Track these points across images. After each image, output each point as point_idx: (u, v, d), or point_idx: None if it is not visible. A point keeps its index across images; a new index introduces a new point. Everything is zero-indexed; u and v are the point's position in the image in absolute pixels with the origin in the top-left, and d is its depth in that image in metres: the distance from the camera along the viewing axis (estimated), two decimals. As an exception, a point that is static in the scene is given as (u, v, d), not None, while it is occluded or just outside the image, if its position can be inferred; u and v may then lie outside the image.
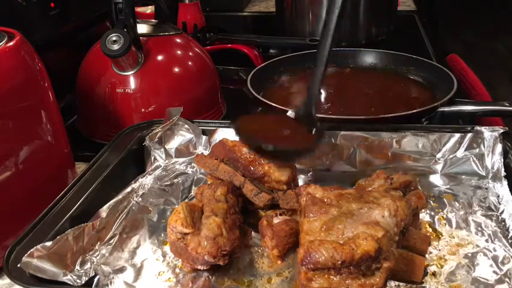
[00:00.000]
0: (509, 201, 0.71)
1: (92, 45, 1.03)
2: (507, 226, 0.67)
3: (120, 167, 0.78)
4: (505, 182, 0.74)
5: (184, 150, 0.85)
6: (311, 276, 0.54)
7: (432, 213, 0.72)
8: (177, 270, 0.64)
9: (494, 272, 0.61)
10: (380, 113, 0.87)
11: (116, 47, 0.88)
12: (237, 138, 0.83)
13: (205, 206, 0.65)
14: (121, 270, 0.63)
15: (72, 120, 1.08)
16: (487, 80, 1.12)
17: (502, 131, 0.78)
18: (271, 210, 0.70)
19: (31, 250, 0.58)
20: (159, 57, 0.99)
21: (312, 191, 0.63)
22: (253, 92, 1.00)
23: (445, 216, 0.71)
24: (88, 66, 1.01)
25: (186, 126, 0.85)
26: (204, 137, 0.86)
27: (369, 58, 1.22)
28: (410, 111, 0.89)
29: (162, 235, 0.70)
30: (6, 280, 0.62)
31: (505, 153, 0.76)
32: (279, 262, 0.64)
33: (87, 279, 0.60)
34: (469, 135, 0.79)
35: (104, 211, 0.68)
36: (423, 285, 0.60)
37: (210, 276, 0.62)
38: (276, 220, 0.66)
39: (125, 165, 0.79)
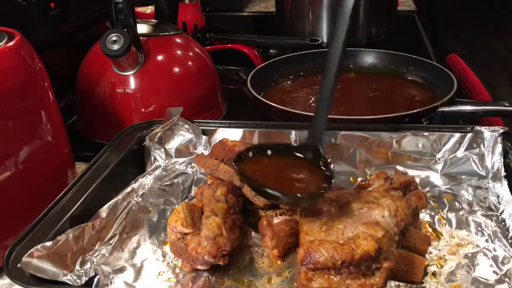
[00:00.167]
0: (509, 201, 0.70)
1: (92, 45, 1.03)
2: (507, 226, 0.67)
3: (120, 167, 0.78)
4: (505, 182, 0.74)
5: (184, 150, 0.85)
6: (311, 276, 0.55)
7: (432, 213, 0.72)
8: (177, 270, 0.64)
9: (494, 272, 0.61)
10: (380, 113, 0.87)
11: (116, 47, 0.88)
12: (237, 139, 0.83)
13: (205, 206, 0.65)
14: (121, 270, 0.63)
15: (72, 120, 1.08)
16: (487, 80, 1.12)
17: (502, 131, 0.78)
18: (271, 210, 0.70)
19: (31, 250, 0.58)
20: (159, 57, 0.99)
21: (312, 191, 0.62)
22: (253, 92, 1.00)
23: (445, 216, 0.71)
24: (88, 66, 1.01)
25: (186, 126, 0.85)
26: (204, 137, 0.86)
27: (369, 58, 1.22)
28: (410, 111, 0.89)
29: (162, 235, 0.70)
30: (6, 280, 0.62)
31: (505, 153, 0.76)
32: (279, 262, 0.64)
33: (87, 279, 0.60)
34: (469, 135, 0.79)
35: (104, 211, 0.68)
36: (423, 285, 0.60)
37: (210, 276, 0.62)
38: (276, 220, 0.66)
39: (124, 165, 0.79)
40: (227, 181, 0.71)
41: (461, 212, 0.72)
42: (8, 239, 0.67)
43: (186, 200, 0.77)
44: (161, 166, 0.83)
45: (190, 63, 1.04)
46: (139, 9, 1.46)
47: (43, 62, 0.74)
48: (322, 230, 0.57)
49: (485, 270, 0.61)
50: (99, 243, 0.65)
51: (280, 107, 0.95)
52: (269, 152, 0.66)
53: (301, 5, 1.50)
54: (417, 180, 0.76)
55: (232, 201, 0.66)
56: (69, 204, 0.68)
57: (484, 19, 1.30)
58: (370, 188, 0.68)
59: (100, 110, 0.98)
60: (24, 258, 0.57)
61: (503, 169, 0.75)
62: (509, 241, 0.65)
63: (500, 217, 0.70)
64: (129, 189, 0.74)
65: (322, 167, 0.64)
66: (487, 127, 0.78)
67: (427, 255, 0.63)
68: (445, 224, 0.70)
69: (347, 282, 0.54)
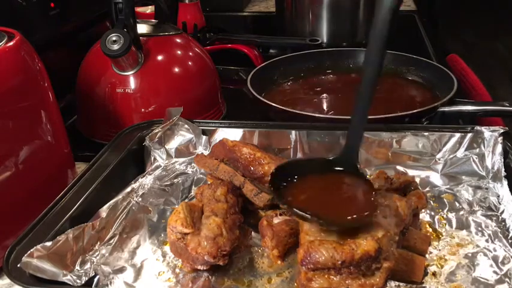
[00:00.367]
0: (509, 201, 0.70)
1: (92, 45, 1.03)
2: (507, 226, 0.67)
3: (120, 167, 0.78)
4: (505, 182, 0.74)
5: (184, 150, 0.85)
6: (311, 276, 0.54)
7: (432, 213, 0.72)
8: (177, 270, 0.64)
9: (495, 272, 0.61)
10: (380, 113, 0.87)
11: (116, 47, 0.88)
12: (237, 139, 0.83)
13: (205, 206, 0.65)
14: (121, 270, 0.63)
15: (72, 120, 1.08)
16: (487, 80, 1.12)
17: (502, 131, 0.78)
18: (271, 210, 0.70)
19: (31, 250, 0.58)
20: (159, 57, 0.99)
21: (312, 191, 0.62)
22: (253, 92, 1.00)
23: (445, 216, 0.71)
24: (88, 66, 1.01)
25: (186, 126, 0.85)
26: (204, 137, 0.86)
27: (369, 58, 1.21)
28: (411, 111, 0.89)
29: (162, 235, 0.70)
30: (6, 280, 0.62)
31: (505, 153, 0.76)
32: (279, 262, 0.64)
33: (87, 279, 0.60)
34: (469, 135, 0.79)
35: (103, 211, 0.68)
36: (423, 285, 0.60)
37: (210, 276, 0.62)
38: (276, 220, 0.66)
39: (124, 165, 0.79)
40: (227, 181, 0.71)
41: (462, 212, 0.72)
42: (8, 239, 0.67)
43: (186, 200, 0.77)
44: (161, 166, 0.83)
45: (190, 63, 1.04)
46: (139, 9, 1.46)
47: (43, 62, 0.74)
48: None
49: (485, 270, 0.61)
50: (99, 243, 0.65)
51: (280, 107, 0.95)
52: (306, 170, 0.63)
53: (301, 5, 1.50)
54: (417, 180, 0.76)
55: (232, 201, 0.66)
56: (69, 204, 0.68)
57: (484, 19, 1.30)
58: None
59: (100, 110, 0.98)
60: (24, 258, 0.57)
61: (503, 169, 0.75)
62: (510, 241, 0.65)
63: (500, 217, 0.70)
64: (129, 189, 0.74)
65: (366, 190, 0.60)
66: (487, 127, 0.78)
67: (427, 255, 0.63)
68: (445, 224, 0.70)
69: (347, 282, 0.54)
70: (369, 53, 0.59)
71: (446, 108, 0.92)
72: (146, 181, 0.78)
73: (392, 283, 0.59)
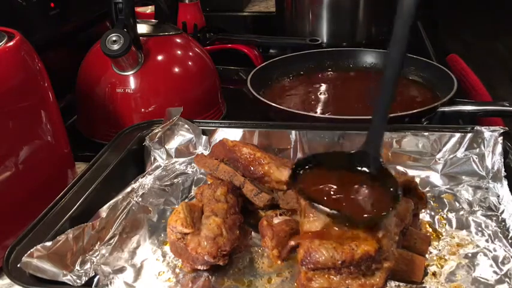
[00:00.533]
0: (509, 201, 0.70)
1: (92, 45, 1.03)
2: (507, 226, 0.67)
3: (120, 167, 0.78)
4: (505, 182, 0.74)
5: (184, 150, 0.85)
6: (311, 276, 0.54)
7: (432, 213, 0.72)
8: (177, 270, 0.64)
9: (495, 272, 0.61)
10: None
11: (116, 47, 0.88)
12: (237, 139, 0.83)
13: (205, 206, 0.65)
14: (121, 270, 0.63)
15: (72, 120, 1.08)
16: (487, 80, 1.12)
17: (502, 131, 0.78)
18: (271, 210, 0.70)
19: (31, 250, 0.58)
20: (159, 57, 0.99)
21: (312, 191, 0.62)
22: (253, 92, 1.00)
23: (445, 216, 0.71)
24: (88, 66, 1.01)
25: (186, 126, 0.85)
26: (204, 137, 0.86)
27: (369, 58, 1.22)
28: (410, 111, 0.89)
29: (162, 235, 0.70)
30: (6, 280, 0.62)
31: (505, 153, 0.76)
32: (279, 262, 0.64)
33: (87, 279, 0.60)
34: (469, 135, 0.79)
35: (103, 211, 0.68)
36: (423, 285, 0.60)
37: (210, 276, 0.62)
38: (276, 220, 0.66)
39: (124, 165, 0.79)
40: (227, 181, 0.71)
41: (462, 212, 0.72)
42: (8, 239, 0.67)
43: (186, 200, 0.78)
44: (161, 166, 0.83)
45: (190, 63, 1.04)
46: (139, 9, 1.46)
47: (43, 62, 0.74)
48: (324, 228, 0.57)
49: (485, 270, 0.61)
50: (99, 243, 0.65)
51: (280, 106, 0.95)
52: (326, 164, 0.62)
53: (301, 5, 1.50)
54: (417, 180, 0.76)
55: (232, 201, 0.66)
56: (69, 205, 0.68)
57: (484, 19, 1.30)
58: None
59: (100, 110, 0.98)
60: (24, 258, 0.57)
61: (503, 169, 0.75)
62: (510, 241, 0.65)
63: (500, 217, 0.70)
64: (129, 189, 0.74)
65: (388, 185, 0.59)
66: (487, 127, 0.78)
67: (427, 255, 0.63)
68: (445, 224, 0.70)
69: (347, 282, 0.54)
70: (391, 47, 0.58)
71: (446, 108, 0.92)
72: (146, 181, 0.78)
73: (393, 283, 0.59)
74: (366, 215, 0.56)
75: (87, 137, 1.03)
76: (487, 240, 0.66)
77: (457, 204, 0.73)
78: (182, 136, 0.85)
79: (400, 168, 0.80)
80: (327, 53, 1.25)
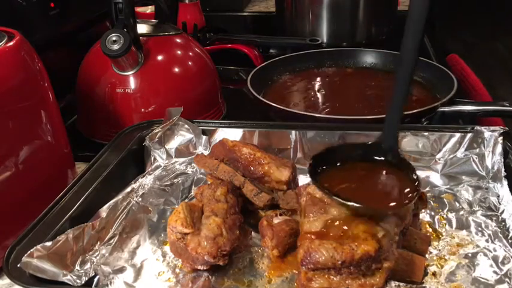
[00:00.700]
0: (509, 201, 0.70)
1: (92, 45, 1.03)
2: (507, 226, 0.67)
3: (120, 167, 0.78)
4: (505, 182, 0.74)
5: (184, 150, 0.85)
6: (311, 276, 0.55)
7: (432, 213, 0.72)
8: (177, 270, 0.64)
9: (495, 272, 0.61)
10: (380, 113, 0.87)
11: (116, 47, 0.88)
12: (237, 139, 0.83)
13: (205, 206, 0.65)
14: (121, 270, 0.63)
15: (72, 120, 1.08)
16: (487, 80, 1.11)
17: (502, 131, 0.78)
18: (271, 210, 0.70)
19: (31, 250, 0.58)
20: (159, 57, 0.99)
21: (312, 191, 0.63)
22: (253, 92, 1.00)
23: (445, 216, 0.71)
24: (88, 66, 1.01)
25: (186, 126, 0.85)
26: (204, 137, 0.86)
27: (369, 58, 1.22)
28: (411, 111, 0.89)
29: (162, 235, 0.70)
30: (6, 280, 0.62)
31: (505, 153, 0.76)
32: (279, 263, 0.64)
33: (87, 279, 0.60)
34: (469, 135, 0.79)
35: (103, 211, 0.68)
36: (423, 285, 0.60)
37: (210, 276, 0.62)
38: (276, 220, 0.66)
39: (124, 165, 0.79)
40: (227, 181, 0.71)
41: (462, 212, 0.72)
42: (8, 239, 0.67)
43: (186, 200, 0.78)
44: (161, 166, 0.83)
45: (190, 63, 1.04)
46: (139, 9, 1.46)
47: (43, 62, 0.74)
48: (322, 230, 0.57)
49: (485, 270, 0.61)
50: (99, 243, 0.65)
51: (280, 106, 0.95)
52: (344, 158, 0.63)
53: (301, 5, 1.50)
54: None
55: (232, 201, 0.66)
56: (69, 205, 0.68)
57: (484, 19, 1.30)
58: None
59: (100, 110, 0.98)
60: (24, 258, 0.57)
61: (503, 169, 0.75)
62: (510, 241, 0.65)
63: (500, 217, 0.69)
64: (129, 189, 0.74)
65: (409, 174, 0.61)
66: (487, 127, 0.78)
67: (427, 255, 0.63)
68: (445, 224, 0.70)
69: (347, 282, 0.54)
70: (406, 33, 0.59)
71: (446, 108, 0.92)
72: (146, 181, 0.78)
73: (392, 283, 0.59)
74: (392, 204, 0.58)
75: (87, 137, 1.03)
76: (487, 240, 0.66)
77: (457, 204, 0.73)
78: (182, 136, 0.85)
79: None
80: (327, 53, 1.25)
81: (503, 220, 0.69)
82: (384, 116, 0.85)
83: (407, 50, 0.59)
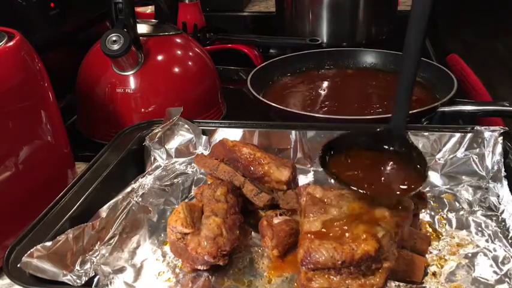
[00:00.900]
0: (509, 201, 0.70)
1: (92, 45, 1.03)
2: (507, 226, 0.67)
3: (120, 167, 0.78)
4: (505, 182, 0.73)
5: (184, 150, 0.85)
6: (311, 276, 0.55)
7: (432, 213, 0.72)
8: (177, 270, 0.64)
9: (495, 272, 0.61)
10: (380, 113, 0.87)
11: (116, 47, 0.88)
12: (237, 139, 0.83)
13: (205, 206, 0.65)
14: (121, 270, 0.63)
15: (72, 120, 1.08)
16: (487, 80, 1.11)
17: (502, 131, 0.78)
18: (271, 210, 0.70)
19: (31, 250, 0.58)
20: (159, 57, 0.99)
21: (312, 191, 0.63)
22: (253, 92, 1.00)
23: (445, 216, 0.71)
24: (88, 66, 1.01)
25: (186, 126, 0.85)
26: (204, 137, 0.86)
27: (369, 58, 1.22)
28: (411, 111, 0.89)
29: (162, 235, 0.70)
30: (6, 280, 0.62)
31: (505, 153, 0.76)
32: (279, 263, 0.64)
33: (87, 279, 0.60)
34: (469, 135, 0.79)
35: (103, 211, 0.68)
36: (423, 285, 0.60)
37: (210, 276, 0.62)
38: (276, 220, 0.66)
39: (124, 165, 0.79)
40: (227, 181, 0.71)
41: (462, 212, 0.72)
42: (8, 239, 0.67)
43: (186, 200, 0.78)
44: (161, 166, 0.83)
45: (190, 63, 1.04)
46: (139, 9, 1.46)
47: (43, 62, 0.74)
48: (324, 227, 0.57)
49: (485, 270, 0.61)
50: (99, 243, 0.65)
51: (280, 106, 0.95)
52: (353, 145, 0.65)
53: (301, 5, 1.50)
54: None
55: (232, 201, 0.66)
56: (69, 205, 0.68)
57: (484, 19, 1.30)
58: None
59: (100, 110, 0.98)
60: (24, 258, 0.57)
61: (503, 169, 0.75)
62: (510, 241, 0.65)
63: (500, 217, 0.69)
64: (129, 189, 0.74)
65: (416, 161, 0.62)
66: (487, 127, 0.78)
67: (427, 255, 0.63)
68: (445, 224, 0.70)
69: (347, 282, 0.54)
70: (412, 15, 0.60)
71: (446, 108, 0.92)
72: (146, 181, 0.78)
73: (393, 283, 0.59)
74: (401, 191, 0.59)
75: (87, 137, 1.03)
76: (487, 240, 0.66)
77: (457, 204, 0.73)
78: (182, 136, 0.85)
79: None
80: (327, 53, 1.25)
81: (503, 220, 0.69)
82: (383, 116, 0.86)
83: (414, 32, 0.60)
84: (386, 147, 0.65)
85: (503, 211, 0.70)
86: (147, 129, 0.85)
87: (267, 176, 0.71)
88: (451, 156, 0.80)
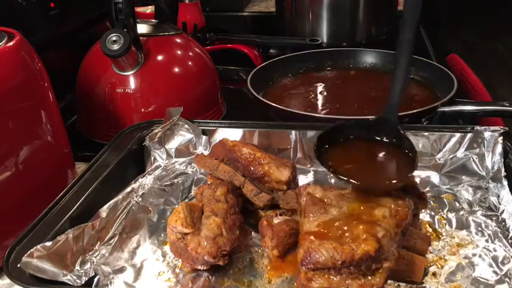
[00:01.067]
0: (509, 201, 0.70)
1: (92, 45, 1.03)
2: (507, 226, 0.67)
3: (120, 167, 0.78)
4: (505, 182, 0.74)
5: (184, 150, 0.85)
6: (311, 276, 0.54)
7: (432, 213, 0.72)
8: (177, 270, 0.64)
9: (494, 272, 0.61)
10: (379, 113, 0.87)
11: (116, 47, 0.88)
12: (237, 139, 0.83)
13: (205, 206, 0.65)
14: (121, 270, 0.63)
15: (72, 120, 1.08)
16: (487, 80, 1.11)
17: (502, 131, 0.78)
18: (271, 210, 0.70)
19: (31, 250, 0.58)
20: (159, 57, 0.99)
21: (312, 191, 0.63)
22: (253, 92, 1.00)
23: (445, 216, 0.71)
24: (88, 66, 1.01)
25: (186, 126, 0.85)
26: (204, 137, 0.86)
27: (369, 58, 1.22)
28: (410, 111, 0.89)
29: (162, 235, 0.70)
30: (6, 280, 0.62)
31: (505, 153, 0.76)
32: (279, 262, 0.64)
33: (87, 279, 0.60)
34: (469, 135, 0.79)
35: (103, 211, 0.68)
36: (423, 285, 0.60)
37: (210, 276, 0.62)
38: (276, 220, 0.66)
39: (124, 165, 0.79)
40: (227, 181, 0.71)
41: (462, 212, 0.72)
42: (8, 239, 0.67)
43: (186, 200, 0.78)
44: (161, 166, 0.83)
45: (190, 63, 1.04)
46: (139, 9, 1.46)
47: (43, 62, 0.74)
48: (323, 226, 0.57)
49: (485, 270, 0.61)
50: (99, 243, 0.65)
51: (280, 106, 0.95)
52: (348, 135, 0.66)
53: (301, 5, 1.50)
54: (417, 180, 0.76)
55: (232, 201, 0.66)
56: (69, 205, 0.68)
57: (484, 19, 1.30)
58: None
59: (100, 110, 0.98)
60: (24, 258, 0.57)
61: (503, 169, 0.75)
62: (510, 241, 0.65)
63: (500, 217, 0.70)
64: (129, 189, 0.74)
65: (406, 150, 0.64)
66: (487, 127, 0.78)
67: (427, 255, 0.63)
68: (445, 224, 0.70)
69: (347, 282, 0.54)
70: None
71: (446, 108, 0.92)
72: (146, 181, 0.78)
73: (393, 283, 0.59)
74: (391, 181, 0.61)
75: (87, 137, 1.03)
76: (487, 240, 0.66)
77: (457, 204, 0.73)
78: (182, 136, 0.85)
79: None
80: (327, 53, 1.25)
81: (503, 220, 0.69)
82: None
83: (408, 20, 0.65)
84: (378, 137, 0.66)
85: (503, 211, 0.70)
86: (147, 129, 0.85)
87: (267, 176, 0.71)
88: (451, 156, 0.80)
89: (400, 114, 0.87)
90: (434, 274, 0.61)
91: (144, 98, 0.96)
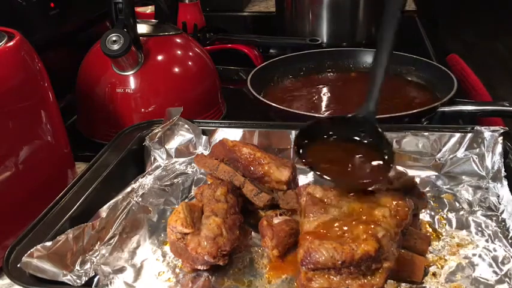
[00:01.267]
0: (509, 201, 0.70)
1: (92, 45, 1.03)
2: (507, 226, 0.67)
3: (120, 167, 0.78)
4: (505, 182, 0.74)
5: (184, 150, 0.85)
6: (311, 276, 0.54)
7: (432, 213, 0.72)
8: (177, 270, 0.64)
9: (494, 272, 0.61)
10: (379, 113, 0.87)
11: (116, 47, 0.88)
12: (237, 139, 0.83)
13: (205, 206, 0.65)
14: (121, 270, 0.63)
15: (72, 120, 1.08)
16: (487, 80, 1.11)
17: (502, 131, 0.78)
18: (271, 210, 0.70)
19: (31, 250, 0.58)
20: (159, 57, 0.99)
21: (312, 191, 0.63)
22: (253, 92, 1.00)
23: (445, 216, 0.71)
24: (88, 66, 1.01)
25: (186, 126, 0.85)
26: (204, 137, 0.86)
27: (369, 58, 1.22)
28: (410, 111, 0.89)
29: (162, 235, 0.70)
30: (6, 280, 0.62)
31: (505, 153, 0.76)
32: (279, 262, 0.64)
33: (87, 279, 0.60)
34: (469, 135, 0.79)
35: (103, 211, 0.68)
36: (423, 285, 0.60)
37: (210, 276, 0.62)
38: (276, 220, 0.66)
39: (124, 165, 0.79)
40: (227, 181, 0.71)
41: (462, 212, 0.72)
42: (8, 239, 0.67)
43: (186, 200, 0.78)
44: (161, 166, 0.83)
45: (190, 63, 1.04)
46: (139, 9, 1.46)
47: (43, 62, 0.74)
48: (323, 227, 0.57)
49: (485, 270, 0.61)
50: (99, 243, 0.65)
51: (280, 106, 0.95)
52: (328, 131, 0.67)
53: (301, 5, 1.50)
54: (417, 180, 0.76)
55: (232, 201, 0.66)
56: (69, 205, 0.68)
57: (484, 19, 1.30)
58: (370, 188, 0.68)
59: (100, 110, 0.98)
60: (24, 258, 0.57)
61: (503, 169, 0.75)
62: (509, 241, 0.65)
63: (500, 217, 0.70)
64: (129, 189, 0.74)
65: (383, 149, 0.64)
66: (487, 127, 0.78)
67: (427, 255, 0.63)
68: (445, 224, 0.70)
69: (347, 282, 0.54)
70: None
71: (446, 108, 0.92)
72: (146, 181, 0.78)
73: (393, 283, 0.59)
74: (365, 181, 0.62)
75: (87, 137, 1.03)
76: (487, 240, 0.66)
77: (457, 204, 0.73)
78: (182, 136, 0.85)
79: (400, 168, 0.80)
80: (327, 53, 1.25)
81: (503, 220, 0.69)
82: (384, 116, 0.86)
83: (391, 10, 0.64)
84: (357, 136, 0.67)
85: (503, 211, 0.70)
86: (147, 129, 0.85)
87: (267, 176, 0.71)
88: (451, 156, 0.80)
89: (400, 114, 0.88)
90: (434, 274, 0.61)
91: (144, 98, 0.96)
